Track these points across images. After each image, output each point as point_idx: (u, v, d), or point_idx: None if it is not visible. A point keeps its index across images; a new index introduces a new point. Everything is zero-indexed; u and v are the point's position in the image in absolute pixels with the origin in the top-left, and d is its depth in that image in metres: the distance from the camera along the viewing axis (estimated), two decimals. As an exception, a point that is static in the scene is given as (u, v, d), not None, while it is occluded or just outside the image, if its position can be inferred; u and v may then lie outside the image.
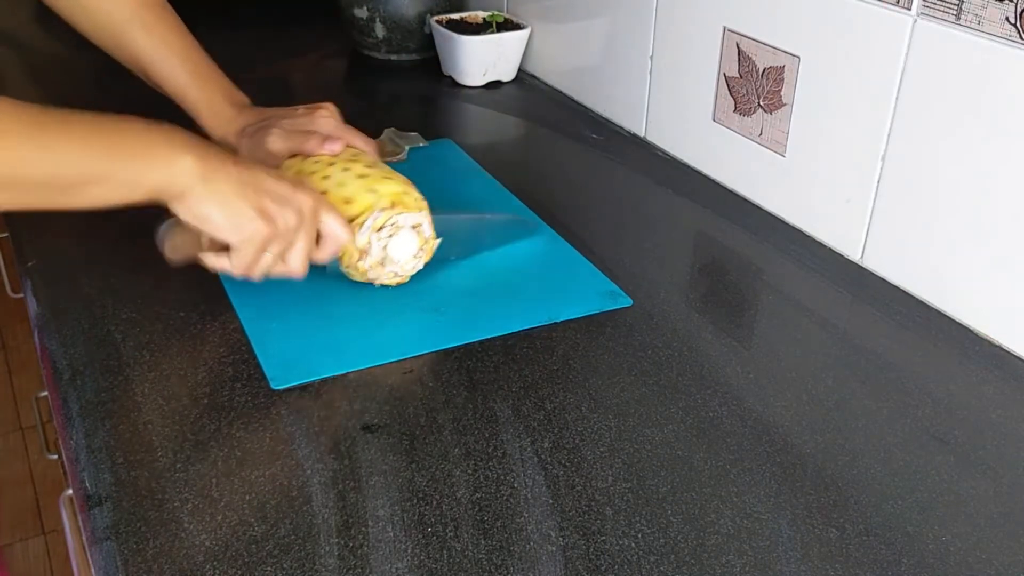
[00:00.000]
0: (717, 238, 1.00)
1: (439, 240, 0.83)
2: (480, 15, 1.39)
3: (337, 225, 0.77)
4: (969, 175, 0.80)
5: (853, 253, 0.93)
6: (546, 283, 0.87)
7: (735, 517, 0.63)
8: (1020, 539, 0.62)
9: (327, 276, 0.82)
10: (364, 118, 0.94)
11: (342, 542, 0.60)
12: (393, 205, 0.79)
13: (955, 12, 0.78)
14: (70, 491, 0.82)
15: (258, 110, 0.93)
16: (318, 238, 0.77)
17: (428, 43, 1.41)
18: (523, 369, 0.76)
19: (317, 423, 0.70)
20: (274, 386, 0.73)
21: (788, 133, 0.97)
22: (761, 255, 0.95)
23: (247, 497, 0.63)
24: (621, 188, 1.08)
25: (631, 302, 0.85)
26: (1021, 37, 0.74)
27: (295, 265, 0.77)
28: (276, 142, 0.87)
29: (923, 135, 0.83)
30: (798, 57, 0.93)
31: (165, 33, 0.92)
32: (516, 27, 1.35)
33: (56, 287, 0.86)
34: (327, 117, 0.89)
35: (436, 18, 1.37)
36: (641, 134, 1.19)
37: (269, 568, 0.58)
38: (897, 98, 0.84)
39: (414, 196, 0.81)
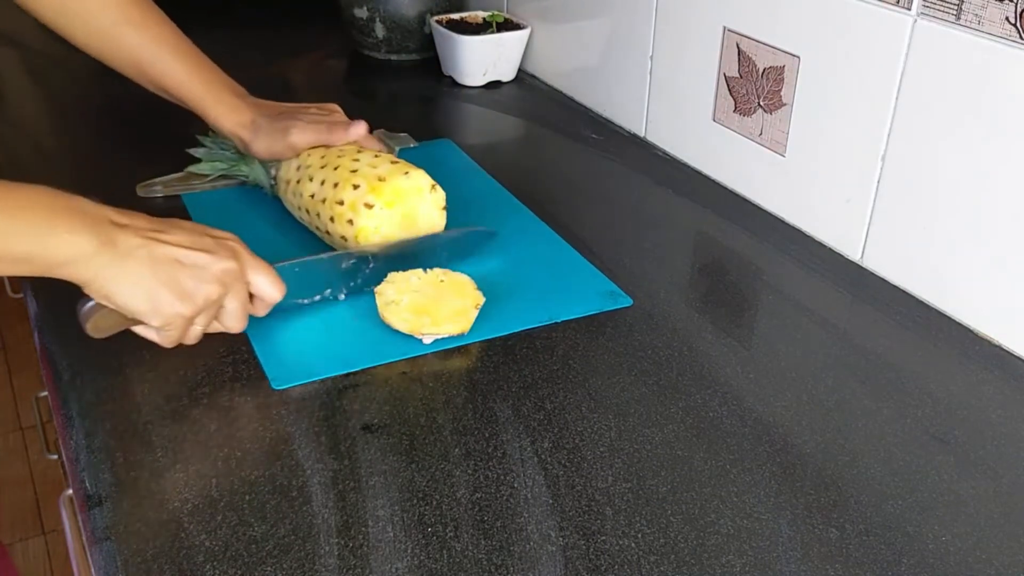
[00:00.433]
0: (717, 238, 1.00)
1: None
2: (480, 15, 1.39)
3: (266, 283, 0.73)
4: (969, 175, 0.80)
5: (853, 253, 0.93)
6: (546, 284, 0.87)
7: (735, 517, 0.63)
8: (1020, 539, 0.62)
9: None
10: (364, 118, 0.94)
11: (342, 542, 0.60)
12: (433, 187, 0.87)
13: (955, 12, 0.78)
14: (70, 491, 0.82)
15: (264, 103, 0.94)
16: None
17: (428, 43, 1.41)
18: (523, 369, 0.76)
19: (317, 423, 0.70)
20: (274, 386, 0.73)
21: (788, 133, 0.97)
22: (761, 255, 0.95)
23: (247, 497, 0.63)
24: (621, 188, 1.07)
25: (631, 302, 0.85)
26: (1021, 37, 0.74)
27: (230, 325, 0.73)
28: (299, 135, 0.89)
29: (923, 135, 0.83)
30: (798, 57, 0.93)
31: (157, 29, 0.91)
32: (516, 27, 1.35)
33: (56, 287, 0.86)
34: (340, 114, 0.93)
35: (436, 18, 1.37)
36: (641, 134, 1.19)
37: (269, 568, 0.58)
38: (897, 98, 0.84)
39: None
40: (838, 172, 0.92)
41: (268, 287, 0.73)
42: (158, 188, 1.00)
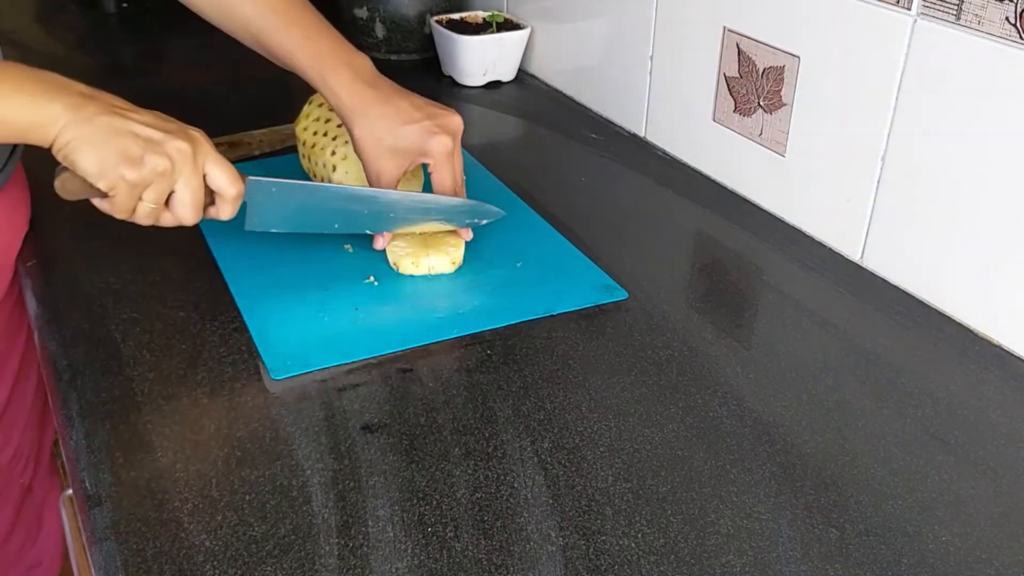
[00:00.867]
0: (717, 238, 1.00)
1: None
2: (480, 15, 1.39)
3: (222, 176, 0.74)
4: (969, 175, 0.80)
5: (853, 253, 0.93)
6: (543, 277, 0.87)
7: (735, 517, 0.63)
8: (1020, 539, 0.62)
9: (327, 267, 0.83)
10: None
11: (342, 542, 0.60)
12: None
13: (955, 12, 0.78)
14: (70, 491, 0.82)
15: (380, 89, 0.88)
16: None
17: (428, 43, 1.41)
18: (523, 369, 0.76)
19: (317, 423, 0.70)
20: (274, 376, 0.73)
21: (788, 133, 0.97)
22: (761, 255, 0.95)
23: (247, 497, 0.63)
24: (621, 188, 1.07)
25: (627, 295, 0.85)
26: (1021, 37, 0.74)
27: (181, 214, 0.73)
28: (390, 168, 0.85)
29: (923, 135, 0.83)
30: (798, 57, 0.93)
31: (273, 1, 0.87)
32: (516, 27, 1.35)
33: (56, 287, 0.86)
34: (444, 138, 0.85)
35: (436, 18, 1.37)
36: (641, 134, 1.19)
37: (269, 568, 0.58)
38: (897, 98, 0.84)
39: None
40: (838, 172, 0.92)
41: (224, 180, 0.74)
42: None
